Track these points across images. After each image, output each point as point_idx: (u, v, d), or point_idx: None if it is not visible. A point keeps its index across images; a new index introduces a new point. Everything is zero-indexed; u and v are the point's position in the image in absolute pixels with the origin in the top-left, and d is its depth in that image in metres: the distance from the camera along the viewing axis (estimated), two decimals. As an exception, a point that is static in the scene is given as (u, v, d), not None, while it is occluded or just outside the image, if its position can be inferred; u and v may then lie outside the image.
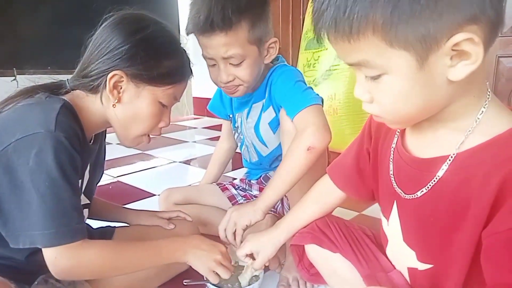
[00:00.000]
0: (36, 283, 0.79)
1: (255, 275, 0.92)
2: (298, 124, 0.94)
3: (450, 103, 0.55)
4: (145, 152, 2.43)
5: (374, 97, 0.56)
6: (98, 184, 0.96)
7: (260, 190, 1.28)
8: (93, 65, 0.78)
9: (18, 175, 0.67)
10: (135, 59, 0.77)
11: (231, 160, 1.45)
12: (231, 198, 1.29)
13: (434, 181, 0.59)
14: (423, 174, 0.61)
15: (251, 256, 0.90)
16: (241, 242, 0.93)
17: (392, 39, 0.48)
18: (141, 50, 0.77)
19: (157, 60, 0.79)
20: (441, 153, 0.58)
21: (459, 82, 0.50)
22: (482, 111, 0.55)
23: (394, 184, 0.67)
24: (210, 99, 1.33)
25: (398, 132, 0.68)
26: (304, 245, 0.84)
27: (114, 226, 1.02)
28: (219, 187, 1.33)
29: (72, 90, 0.81)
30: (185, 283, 0.92)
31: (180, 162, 2.27)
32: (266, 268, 1.00)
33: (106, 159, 0.98)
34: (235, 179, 1.40)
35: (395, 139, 0.68)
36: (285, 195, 1.07)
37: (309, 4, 2.34)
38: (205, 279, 0.87)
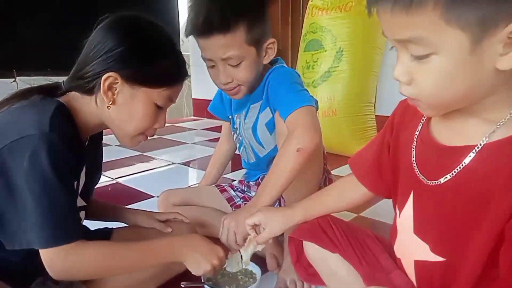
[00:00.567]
0: (33, 285, 0.78)
1: (253, 274, 0.91)
2: (289, 125, 0.94)
3: (489, 95, 0.53)
4: (144, 153, 2.42)
5: (416, 78, 0.54)
6: (96, 186, 0.96)
7: (259, 191, 1.27)
8: (88, 66, 0.78)
9: (12, 177, 0.67)
10: (130, 61, 0.77)
11: (230, 162, 1.45)
12: (230, 200, 1.29)
13: (460, 168, 0.58)
14: (448, 161, 0.60)
15: (256, 228, 0.86)
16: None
17: (451, 16, 0.47)
18: (136, 52, 0.77)
19: (152, 62, 0.79)
20: (469, 142, 0.57)
21: (504, 73, 0.50)
22: None
23: (417, 170, 0.65)
24: (209, 100, 1.33)
25: (423, 120, 0.67)
26: (303, 242, 0.83)
27: (112, 228, 1.02)
28: (218, 188, 1.32)
29: (68, 91, 0.81)
30: (183, 285, 0.92)
31: (179, 163, 2.27)
32: (264, 270, 0.99)
33: (105, 160, 0.98)
34: (234, 180, 1.40)
35: (419, 127, 0.67)
36: (282, 197, 1.07)
37: (309, 5, 2.34)
38: (202, 281, 0.87)
